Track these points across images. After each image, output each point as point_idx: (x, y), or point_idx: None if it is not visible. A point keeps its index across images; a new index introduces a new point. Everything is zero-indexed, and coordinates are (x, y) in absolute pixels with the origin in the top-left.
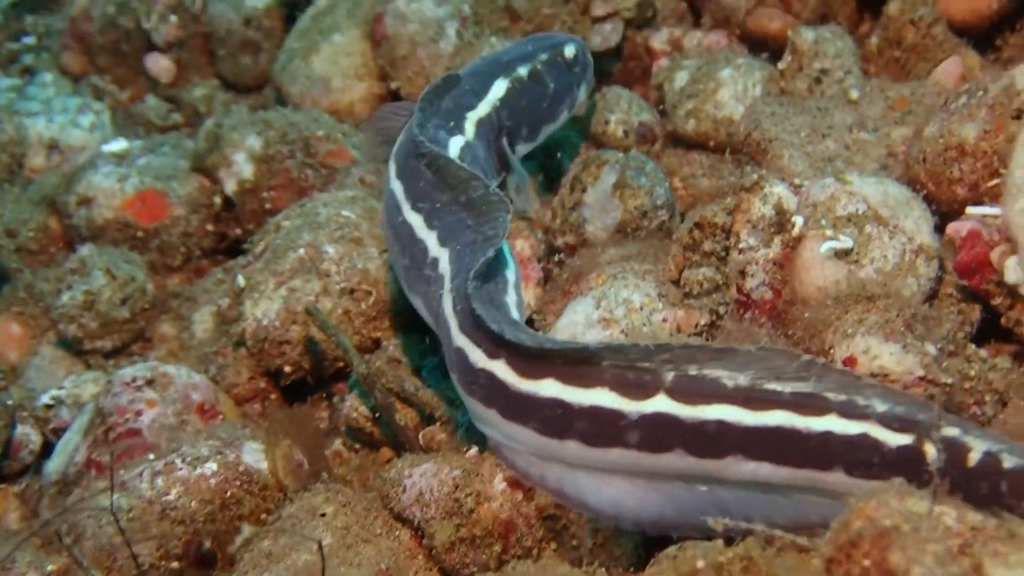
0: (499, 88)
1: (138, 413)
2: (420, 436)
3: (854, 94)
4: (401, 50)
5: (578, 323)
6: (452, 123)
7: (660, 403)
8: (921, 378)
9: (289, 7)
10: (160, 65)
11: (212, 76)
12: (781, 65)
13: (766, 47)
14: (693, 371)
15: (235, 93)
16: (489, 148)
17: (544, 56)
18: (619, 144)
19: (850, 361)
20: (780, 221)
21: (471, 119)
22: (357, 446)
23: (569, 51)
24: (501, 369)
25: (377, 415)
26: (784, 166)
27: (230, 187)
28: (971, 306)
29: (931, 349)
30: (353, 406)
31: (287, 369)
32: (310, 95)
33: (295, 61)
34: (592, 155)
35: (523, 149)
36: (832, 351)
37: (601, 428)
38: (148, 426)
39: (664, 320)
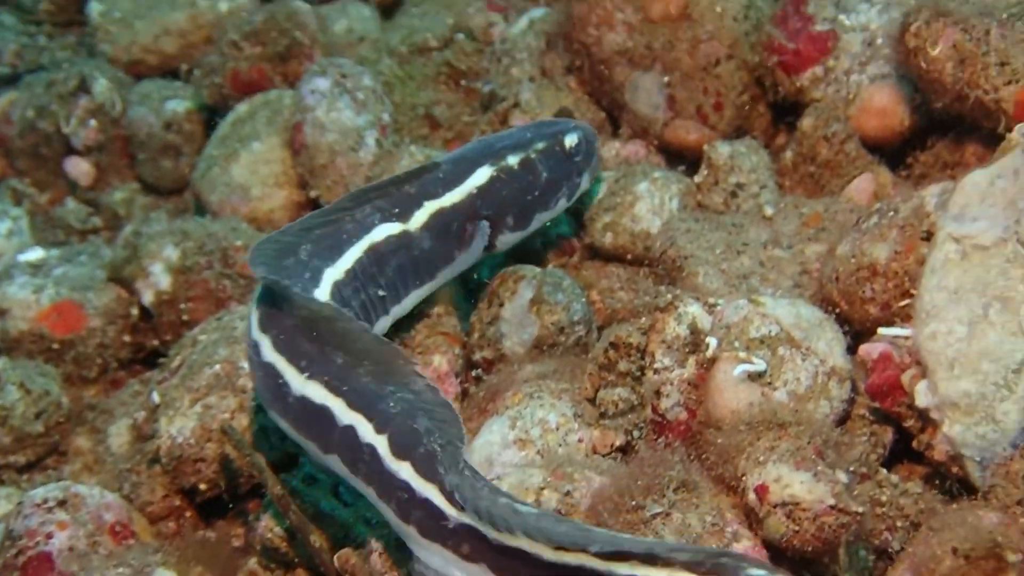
0: (481, 176)
1: (49, 536)
2: (335, 558)
3: (769, 210)
4: (320, 159)
5: (494, 443)
6: (398, 211)
7: None
8: (832, 507)
9: (209, 112)
10: (80, 169)
11: (132, 179)
12: (697, 179)
13: (683, 158)
14: None
15: (156, 196)
16: (445, 237)
17: (541, 144)
18: (537, 256)
19: (761, 489)
20: (695, 341)
21: (428, 208)
22: (272, 566)
23: (570, 140)
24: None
25: (292, 535)
26: (699, 284)
27: (147, 298)
28: (883, 428)
29: (842, 477)
30: (268, 526)
31: (202, 487)
32: (229, 203)
33: (214, 169)
34: (509, 270)
35: (511, 238)
36: (744, 478)
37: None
38: (59, 550)
39: (580, 441)
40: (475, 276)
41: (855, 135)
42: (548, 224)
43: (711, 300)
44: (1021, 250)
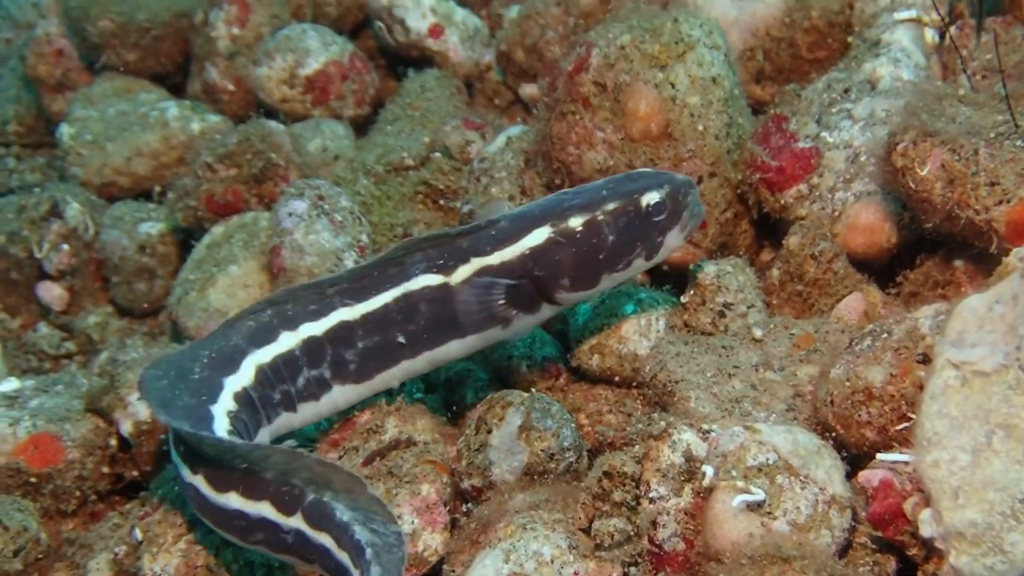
0: (537, 237)
1: None
2: None
3: (758, 333)
4: (300, 282)
5: None
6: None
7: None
8: None
9: (184, 234)
10: (52, 293)
11: (106, 303)
12: (684, 299)
13: (669, 277)
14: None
15: (130, 319)
16: (488, 289)
17: (612, 205)
18: (523, 379)
19: None
20: (690, 469)
21: (474, 263)
22: None
23: (648, 199)
24: None
25: None
26: (691, 408)
27: (126, 428)
28: (887, 557)
29: None
30: None
31: None
32: (207, 328)
33: (191, 294)
34: (497, 395)
35: (573, 297)
36: None
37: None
38: None
39: (576, 574)
40: (460, 398)
41: (842, 253)
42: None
43: (705, 426)
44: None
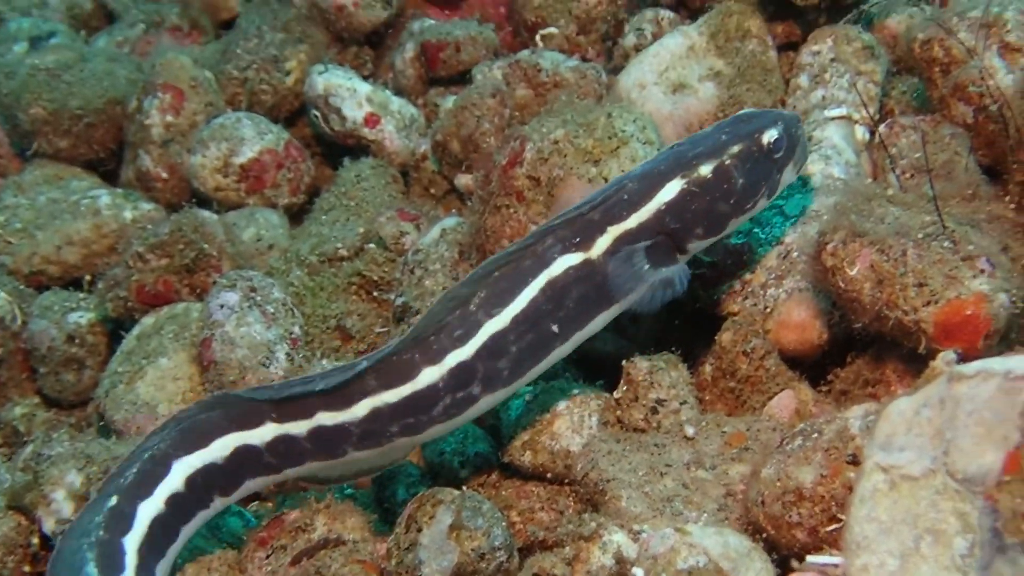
0: (670, 191)
1: None
2: None
3: (689, 431)
4: (230, 375)
5: None
6: (578, 239)
7: None
8: None
9: (114, 324)
10: None
11: (33, 393)
12: (617, 394)
13: (602, 371)
14: None
15: (57, 411)
16: (630, 258)
17: (736, 147)
18: (454, 475)
19: None
20: (620, 572)
21: (611, 232)
22: None
23: (768, 136)
24: None
25: None
26: (623, 508)
27: (48, 527)
28: None
29: None
30: None
31: None
32: (135, 422)
33: (119, 386)
34: (427, 493)
35: (702, 245)
36: None
37: None
38: None
39: None
40: (391, 495)
41: (774, 350)
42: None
43: (636, 527)
44: (950, 482)
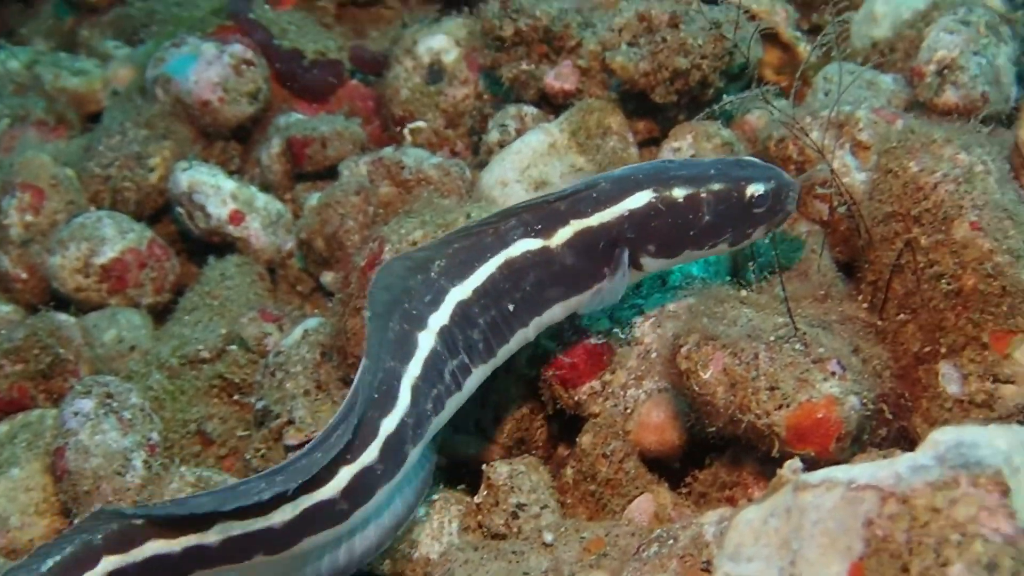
0: (638, 200)
1: None
2: None
3: (548, 537)
4: (84, 485)
5: None
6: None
7: None
8: None
9: None
10: None
11: None
12: (477, 499)
13: (462, 474)
14: None
15: None
16: (586, 256)
17: (717, 186)
18: None
19: None
20: None
21: (573, 226)
22: None
23: (753, 189)
24: None
25: None
26: None
27: None
28: None
29: None
30: None
31: None
32: None
33: None
34: None
35: (653, 264)
36: None
37: None
38: None
39: None
40: None
41: (634, 452)
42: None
43: None
44: None
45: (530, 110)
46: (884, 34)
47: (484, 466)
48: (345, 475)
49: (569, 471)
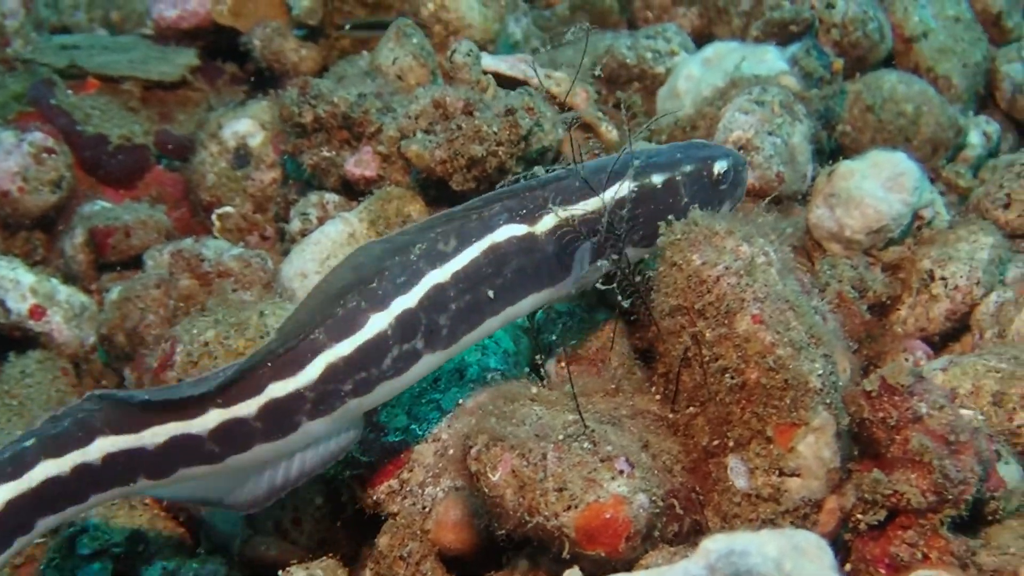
0: (621, 190)
1: None
2: None
3: None
4: None
5: None
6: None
7: None
8: None
9: None
10: None
11: None
12: None
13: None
14: None
15: None
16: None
17: (689, 168)
18: None
19: None
20: None
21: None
22: None
23: (719, 167)
24: None
25: None
26: None
27: None
28: None
29: None
30: None
31: None
32: None
33: None
34: None
35: (637, 253)
36: None
37: None
38: None
39: None
40: None
41: (431, 553)
42: None
43: None
44: None
45: (332, 197)
46: (687, 111)
47: (280, 572)
48: (215, 417)
49: (368, 574)
